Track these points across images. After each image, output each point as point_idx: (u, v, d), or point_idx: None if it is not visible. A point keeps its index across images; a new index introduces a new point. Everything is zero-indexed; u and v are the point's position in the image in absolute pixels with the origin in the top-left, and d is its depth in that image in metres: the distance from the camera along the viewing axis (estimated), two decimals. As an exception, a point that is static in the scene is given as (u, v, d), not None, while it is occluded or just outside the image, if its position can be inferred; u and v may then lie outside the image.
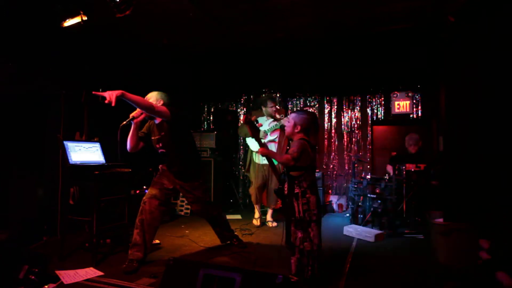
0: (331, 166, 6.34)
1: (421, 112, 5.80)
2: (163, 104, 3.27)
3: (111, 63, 5.02)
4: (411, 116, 5.82)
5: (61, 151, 3.72)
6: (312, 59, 6.15)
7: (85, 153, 3.56)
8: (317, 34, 5.33)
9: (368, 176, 4.97)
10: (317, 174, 5.49)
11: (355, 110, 6.25)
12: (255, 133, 2.98)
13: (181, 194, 5.60)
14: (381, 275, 3.02)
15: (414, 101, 5.82)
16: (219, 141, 6.10)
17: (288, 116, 2.94)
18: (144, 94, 3.50)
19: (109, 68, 4.98)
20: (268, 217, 4.90)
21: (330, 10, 4.42)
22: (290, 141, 3.15)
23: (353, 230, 4.32)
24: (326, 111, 6.43)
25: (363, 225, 4.64)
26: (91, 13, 3.92)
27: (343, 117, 6.33)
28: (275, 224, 4.80)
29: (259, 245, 3.89)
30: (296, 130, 2.79)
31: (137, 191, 4.96)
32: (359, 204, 4.97)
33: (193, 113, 7.22)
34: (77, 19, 3.88)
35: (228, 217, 4.49)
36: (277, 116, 4.62)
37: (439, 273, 3.08)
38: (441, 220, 3.49)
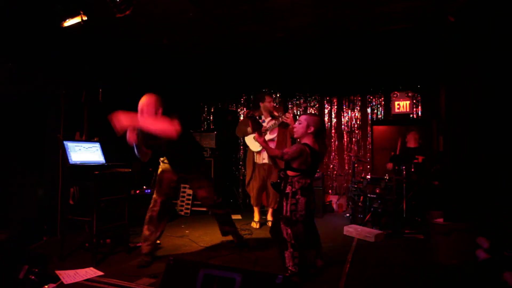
0: (331, 166, 6.34)
1: (421, 112, 5.80)
2: (162, 112, 3.20)
3: (111, 63, 5.02)
4: (411, 116, 5.82)
5: (61, 151, 3.72)
6: (312, 59, 6.14)
7: (85, 153, 3.56)
8: (317, 34, 5.33)
9: (368, 176, 4.97)
10: (317, 174, 5.49)
11: (355, 110, 6.25)
12: (257, 128, 3.01)
13: (181, 194, 5.63)
14: (381, 275, 3.02)
15: (414, 101, 5.82)
16: (219, 141, 6.10)
17: (299, 118, 3.01)
18: (142, 93, 3.49)
19: (109, 68, 4.98)
20: (269, 216, 4.89)
21: (330, 10, 4.41)
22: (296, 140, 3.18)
23: (353, 230, 4.32)
24: (326, 111, 6.43)
25: (363, 225, 4.64)
26: (91, 13, 3.91)
27: (343, 117, 6.33)
28: (275, 224, 4.80)
29: (259, 245, 3.89)
30: (309, 131, 2.85)
31: (137, 191, 4.97)
32: (359, 204, 4.97)
33: (193, 113, 7.23)
34: (77, 19, 3.88)
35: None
36: (276, 113, 4.61)
37: (439, 273, 3.08)
38: (441, 220, 3.49)
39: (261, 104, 4.73)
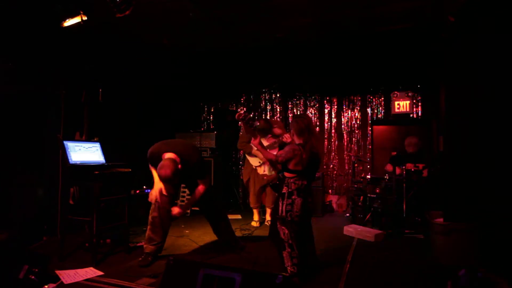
0: (331, 166, 6.34)
1: (421, 112, 5.80)
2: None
3: (111, 63, 5.02)
4: (411, 116, 5.82)
5: (61, 151, 3.72)
6: (312, 59, 6.14)
7: (85, 153, 3.56)
8: (317, 34, 5.33)
9: (368, 176, 4.97)
10: (317, 174, 5.49)
11: (355, 110, 6.25)
12: (250, 130, 3.05)
13: (181, 194, 5.63)
14: (381, 275, 3.02)
15: (414, 101, 5.82)
16: (219, 141, 6.10)
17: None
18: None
19: (109, 68, 4.98)
20: (268, 216, 4.90)
21: (330, 10, 4.41)
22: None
23: (353, 230, 4.32)
24: (326, 111, 6.43)
25: (363, 225, 4.64)
26: (91, 13, 3.91)
27: (343, 117, 6.33)
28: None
29: (259, 245, 3.88)
30: (291, 134, 3.00)
31: (137, 191, 4.96)
32: (359, 204, 4.96)
33: (193, 113, 7.23)
34: (77, 19, 3.88)
35: (228, 216, 4.49)
36: (278, 131, 4.59)
37: (439, 273, 3.08)
38: (441, 220, 3.48)
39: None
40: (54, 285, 2.73)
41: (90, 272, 2.99)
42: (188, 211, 5.61)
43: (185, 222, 5.04)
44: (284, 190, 2.85)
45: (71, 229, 3.76)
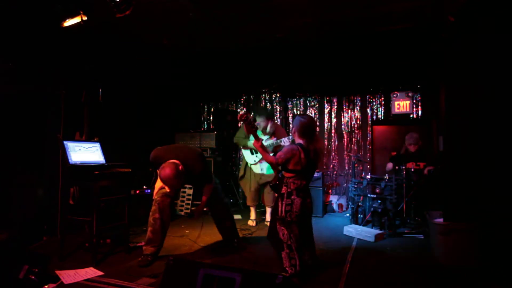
0: (331, 166, 6.34)
1: (421, 112, 5.80)
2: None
3: (111, 63, 5.02)
4: (411, 116, 5.82)
5: (61, 151, 3.72)
6: (312, 59, 6.14)
7: (85, 153, 3.56)
8: (317, 34, 5.33)
9: (368, 176, 4.97)
10: (317, 174, 5.49)
11: (355, 110, 6.25)
12: (252, 131, 3.05)
13: (181, 194, 5.63)
14: (381, 275, 3.02)
15: (414, 101, 5.82)
16: (219, 141, 6.10)
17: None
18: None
19: (109, 68, 4.98)
20: (267, 216, 4.89)
21: (330, 10, 4.41)
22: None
23: (353, 230, 4.33)
24: (326, 111, 6.43)
25: (363, 225, 4.64)
26: (91, 13, 3.91)
27: (343, 117, 6.33)
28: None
29: (259, 245, 3.89)
30: (292, 132, 3.01)
31: (137, 191, 4.96)
32: (359, 204, 4.96)
33: (193, 113, 7.23)
34: (77, 19, 3.88)
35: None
36: (277, 133, 4.62)
37: (439, 273, 3.08)
38: (441, 220, 3.49)
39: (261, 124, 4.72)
40: (54, 285, 2.72)
41: (90, 272, 2.99)
42: (188, 211, 5.61)
43: (185, 222, 5.04)
44: (283, 190, 2.85)
45: (71, 229, 3.76)
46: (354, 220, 4.95)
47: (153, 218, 3.31)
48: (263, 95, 6.82)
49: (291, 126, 6.48)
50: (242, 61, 6.50)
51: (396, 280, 2.92)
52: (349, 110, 6.29)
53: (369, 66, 5.90)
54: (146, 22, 4.65)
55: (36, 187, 4.12)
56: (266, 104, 6.80)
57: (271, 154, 4.65)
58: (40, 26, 4.00)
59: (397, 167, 4.60)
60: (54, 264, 3.10)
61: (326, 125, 6.41)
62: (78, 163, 3.41)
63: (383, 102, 6.05)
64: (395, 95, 5.87)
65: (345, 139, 6.30)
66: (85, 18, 3.85)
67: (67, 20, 3.91)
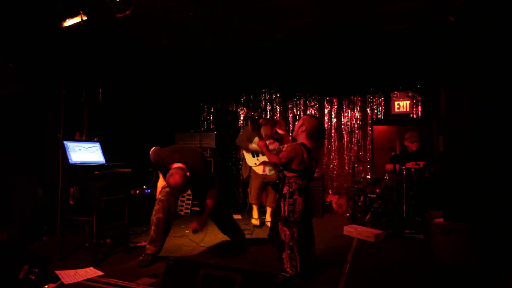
0: (331, 166, 6.34)
1: (421, 112, 5.80)
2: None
3: (111, 63, 5.02)
4: (411, 116, 5.82)
5: (61, 151, 3.72)
6: (312, 59, 6.14)
7: (85, 153, 3.56)
8: (317, 34, 5.33)
9: (368, 176, 4.97)
10: (317, 175, 5.49)
11: (355, 110, 6.24)
12: (257, 129, 3.04)
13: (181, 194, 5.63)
14: (381, 275, 3.02)
15: (414, 101, 5.82)
16: (219, 141, 6.10)
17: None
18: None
19: (109, 68, 4.98)
20: (268, 216, 4.90)
21: (330, 10, 4.41)
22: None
23: (353, 230, 4.32)
24: (326, 111, 6.42)
25: (363, 225, 4.64)
26: (91, 13, 3.91)
27: (343, 117, 6.32)
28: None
29: (259, 245, 3.89)
30: (301, 130, 2.92)
31: (137, 191, 4.96)
32: (359, 204, 4.96)
33: (193, 113, 7.23)
34: (77, 19, 3.88)
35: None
36: (280, 131, 4.58)
37: (439, 273, 3.08)
38: (441, 220, 3.48)
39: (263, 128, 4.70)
40: (54, 285, 2.73)
41: (90, 272, 2.99)
42: (188, 211, 5.62)
43: (185, 222, 5.04)
44: (285, 190, 2.83)
45: (71, 229, 3.76)
46: (354, 220, 4.95)
47: (157, 217, 3.29)
48: (263, 95, 6.82)
49: (291, 126, 6.48)
50: (242, 61, 6.50)
51: (396, 280, 2.92)
52: (349, 110, 6.28)
53: (369, 66, 5.90)
54: (146, 22, 4.65)
55: (36, 187, 4.12)
56: (266, 104, 6.80)
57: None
58: (40, 26, 4.00)
59: (397, 166, 4.61)
60: (54, 264, 3.10)
61: (326, 125, 6.39)
62: (78, 163, 3.41)
63: (383, 102, 6.05)
64: (395, 95, 5.88)
65: (345, 139, 6.30)
66: (85, 18, 3.85)
67: (67, 20, 3.91)
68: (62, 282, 2.77)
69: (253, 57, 6.31)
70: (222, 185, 6.12)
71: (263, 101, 6.82)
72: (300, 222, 2.80)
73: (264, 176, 4.76)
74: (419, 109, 5.81)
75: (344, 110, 6.32)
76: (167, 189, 3.33)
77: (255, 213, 4.95)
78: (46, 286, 2.67)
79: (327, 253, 3.58)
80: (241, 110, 6.97)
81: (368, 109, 6.15)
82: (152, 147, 3.53)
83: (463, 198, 3.38)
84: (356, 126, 6.24)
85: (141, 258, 3.27)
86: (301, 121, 2.95)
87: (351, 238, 4.18)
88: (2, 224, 3.73)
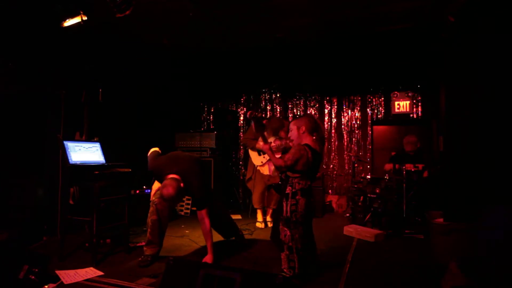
0: (331, 166, 6.34)
1: (421, 112, 5.80)
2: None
3: (111, 63, 5.02)
4: (411, 116, 5.82)
5: (61, 151, 3.72)
6: (312, 59, 6.14)
7: (85, 153, 3.56)
8: (317, 34, 5.33)
9: (368, 176, 4.97)
10: (317, 175, 5.48)
11: (355, 110, 6.25)
12: (260, 130, 3.02)
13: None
14: (381, 275, 3.02)
15: (414, 101, 5.82)
16: (219, 141, 6.10)
17: (289, 127, 2.98)
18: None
19: (109, 68, 4.98)
20: (268, 217, 4.90)
21: (330, 10, 4.41)
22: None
23: (353, 230, 4.32)
24: (326, 111, 6.42)
25: (363, 225, 4.64)
26: (91, 13, 3.91)
27: (343, 117, 6.33)
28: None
29: (259, 245, 3.89)
30: (301, 132, 2.88)
31: (137, 191, 4.97)
32: (359, 204, 4.96)
33: (193, 113, 7.23)
34: (77, 19, 3.88)
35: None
36: (283, 134, 4.57)
37: (439, 273, 3.08)
38: (441, 220, 3.48)
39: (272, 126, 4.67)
40: (54, 285, 2.73)
41: (90, 272, 2.99)
42: (188, 211, 5.62)
43: (185, 222, 5.05)
44: (288, 190, 2.81)
45: (71, 229, 3.76)
46: (354, 220, 4.95)
47: (151, 219, 3.31)
48: (263, 95, 6.82)
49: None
50: (242, 61, 6.50)
51: (396, 280, 2.92)
52: (349, 110, 6.29)
53: (369, 66, 5.90)
54: (146, 22, 4.65)
55: (36, 187, 4.12)
56: (266, 104, 6.80)
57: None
58: (40, 26, 4.00)
59: (397, 166, 4.61)
60: (54, 264, 3.10)
61: (326, 125, 6.40)
62: (78, 163, 3.41)
63: (383, 102, 6.05)
64: (395, 95, 5.88)
65: (345, 139, 6.30)
66: (85, 18, 3.85)
67: (67, 20, 3.91)
68: (62, 282, 2.77)
69: (253, 57, 6.31)
70: (222, 185, 6.12)
71: (263, 101, 6.83)
72: (302, 223, 2.78)
73: (268, 178, 4.74)
74: (419, 109, 5.81)
75: (344, 110, 6.32)
76: (158, 191, 3.35)
77: (259, 217, 4.94)
78: (46, 286, 2.67)
79: (327, 253, 3.58)
80: (241, 110, 6.97)
81: (368, 109, 6.15)
82: (151, 148, 3.53)
83: (463, 198, 3.38)
84: (356, 126, 6.24)
85: (140, 258, 3.27)
86: (294, 128, 2.89)
87: (351, 238, 4.18)
88: (2, 224, 3.73)
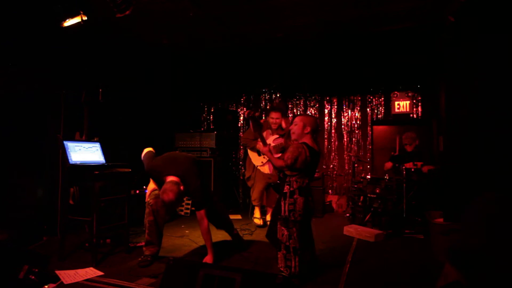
0: (331, 166, 6.34)
1: (421, 112, 5.80)
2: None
3: (111, 63, 5.02)
4: (411, 116, 5.82)
5: (61, 151, 3.72)
6: (312, 59, 6.14)
7: (85, 153, 3.56)
8: (317, 34, 5.33)
9: (368, 176, 4.97)
10: (317, 174, 5.48)
11: (355, 110, 6.25)
12: (258, 129, 3.02)
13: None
14: (381, 275, 3.02)
15: (414, 101, 5.82)
16: (219, 141, 6.10)
17: (294, 119, 2.98)
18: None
19: (109, 68, 4.98)
20: (268, 216, 4.90)
21: (330, 10, 4.41)
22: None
23: (353, 230, 4.32)
24: (326, 111, 6.42)
25: (363, 225, 4.64)
26: (91, 12, 3.91)
27: (343, 117, 6.33)
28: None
29: (259, 245, 3.89)
30: (305, 131, 2.88)
31: (137, 191, 4.96)
32: (359, 204, 4.96)
33: (193, 113, 7.23)
34: (77, 19, 3.88)
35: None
36: (284, 125, 4.56)
37: (439, 273, 3.08)
38: (441, 220, 3.49)
39: (267, 120, 4.71)
40: (54, 285, 2.73)
41: (90, 272, 2.99)
42: (188, 211, 5.62)
43: (185, 222, 5.05)
44: (286, 189, 2.81)
45: (71, 229, 3.76)
46: (354, 220, 4.95)
47: (148, 220, 3.32)
48: (263, 95, 6.83)
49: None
50: (242, 61, 6.50)
51: (396, 280, 2.92)
52: (349, 110, 6.29)
53: (369, 66, 5.90)
54: (146, 22, 4.65)
55: (36, 187, 4.12)
56: (266, 104, 6.80)
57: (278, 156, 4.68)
58: (40, 26, 4.00)
59: (397, 165, 4.61)
60: (54, 264, 3.10)
61: (326, 125, 6.40)
62: (78, 163, 3.41)
63: (383, 102, 6.05)
64: (395, 95, 5.88)
65: (345, 139, 6.30)
66: (85, 18, 3.85)
67: (67, 20, 3.91)
68: (62, 282, 2.77)
69: (253, 57, 6.31)
70: (222, 185, 6.12)
71: (263, 101, 6.83)
72: (300, 222, 2.78)
73: (269, 177, 4.74)
74: (419, 109, 5.81)
75: (344, 110, 6.32)
76: (156, 191, 3.34)
77: (257, 213, 4.95)
78: (46, 286, 2.67)
79: (327, 253, 3.58)
80: (241, 110, 6.97)
81: (368, 109, 6.15)
82: (144, 149, 3.53)
83: (463, 198, 3.38)
84: (356, 126, 6.24)
85: (140, 258, 3.28)
86: (301, 123, 2.88)
87: (351, 238, 4.18)
88: (2, 224, 3.73)
